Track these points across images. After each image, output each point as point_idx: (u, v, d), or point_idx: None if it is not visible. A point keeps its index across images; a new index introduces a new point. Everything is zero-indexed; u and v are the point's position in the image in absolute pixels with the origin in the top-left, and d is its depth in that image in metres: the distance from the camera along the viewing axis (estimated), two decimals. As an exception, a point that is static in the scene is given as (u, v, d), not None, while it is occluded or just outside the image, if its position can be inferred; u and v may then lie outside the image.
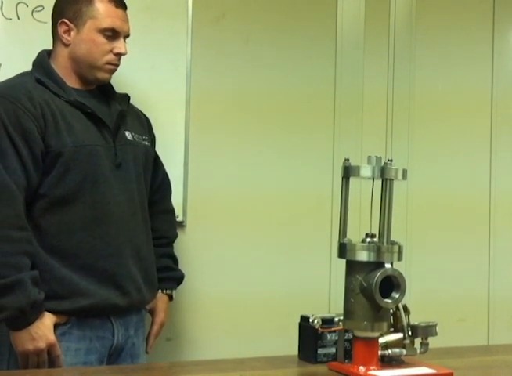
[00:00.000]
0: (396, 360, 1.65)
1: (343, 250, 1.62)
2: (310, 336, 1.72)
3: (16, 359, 1.79)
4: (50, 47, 2.14)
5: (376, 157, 1.61)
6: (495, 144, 2.80)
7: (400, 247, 1.61)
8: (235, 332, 2.43)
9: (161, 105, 2.33)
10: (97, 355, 1.85)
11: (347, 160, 1.64)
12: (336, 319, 1.63)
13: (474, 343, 2.37)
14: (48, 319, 1.76)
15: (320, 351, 1.72)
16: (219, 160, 2.46)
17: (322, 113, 2.58)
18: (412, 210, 2.65)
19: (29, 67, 2.14)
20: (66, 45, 1.93)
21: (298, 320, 1.75)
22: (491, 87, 2.79)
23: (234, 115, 2.47)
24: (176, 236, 2.20)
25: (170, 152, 2.35)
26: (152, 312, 2.10)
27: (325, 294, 2.53)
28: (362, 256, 1.59)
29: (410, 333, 1.64)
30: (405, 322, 1.64)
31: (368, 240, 1.60)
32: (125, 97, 2.07)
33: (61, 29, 1.93)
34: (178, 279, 2.17)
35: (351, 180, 1.64)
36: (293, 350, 1.77)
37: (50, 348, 1.76)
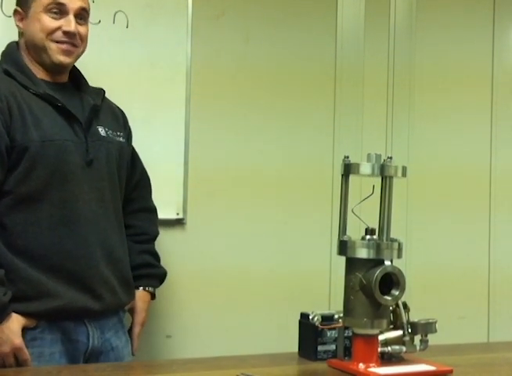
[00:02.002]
0: (396, 357, 1.65)
1: (343, 247, 1.62)
2: (310, 333, 1.72)
3: None
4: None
5: (376, 154, 1.61)
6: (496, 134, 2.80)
7: (400, 244, 1.61)
8: (235, 329, 2.44)
9: (161, 102, 2.33)
10: (70, 358, 1.78)
11: (347, 157, 1.64)
12: (336, 316, 1.63)
13: (473, 340, 2.37)
14: (15, 323, 1.69)
15: (320, 348, 1.72)
16: (219, 158, 2.46)
17: (321, 112, 2.58)
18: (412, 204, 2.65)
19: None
20: (23, 34, 1.86)
21: (298, 317, 1.76)
22: (491, 88, 2.79)
23: (234, 113, 2.47)
24: (157, 233, 2.11)
25: (170, 149, 2.35)
26: (132, 312, 2.02)
27: (325, 291, 2.54)
28: (362, 253, 1.59)
29: (410, 330, 1.65)
30: (404, 319, 1.65)
31: (368, 237, 1.61)
32: (100, 91, 1.98)
33: (16, 18, 1.87)
34: (160, 276, 2.08)
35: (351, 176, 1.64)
36: (294, 347, 1.77)
37: (16, 353, 1.69)
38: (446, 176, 2.74)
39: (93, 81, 2.21)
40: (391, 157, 1.57)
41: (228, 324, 2.44)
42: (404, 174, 1.62)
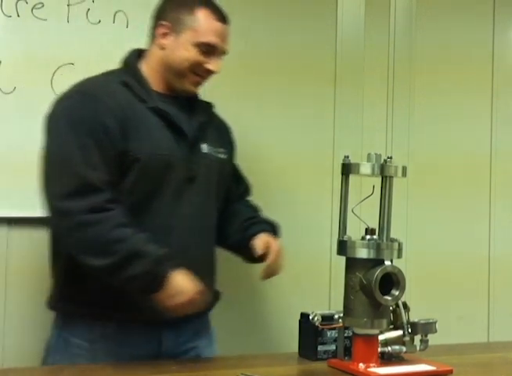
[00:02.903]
0: (396, 357, 1.66)
1: (343, 247, 1.62)
2: (310, 333, 1.72)
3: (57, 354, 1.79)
4: (49, 44, 2.16)
5: (376, 154, 1.62)
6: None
7: (400, 244, 1.61)
8: (235, 329, 2.43)
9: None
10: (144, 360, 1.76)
11: (347, 157, 1.64)
12: (336, 316, 1.64)
13: (473, 340, 2.37)
14: (180, 274, 1.66)
15: (320, 348, 1.72)
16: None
17: (322, 112, 2.58)
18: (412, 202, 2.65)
19: (29, 66, 2.15)
20: (161, 48, 1.86)
21: (298, 317, 1.76)
22: (491, 83, 2.80)
23: (234, 112, 2.47)
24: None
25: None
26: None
27: (325, 291, 2.54)
28: (362, 253, 1.59)
29: (410, 330, 1.65)
30: (404, 319, 1.65)
31: (368, 237, 1.61)
32: (209, 106, 1.99)
33: (159, 31, 1.86)
34: (277, 227, 2.00)
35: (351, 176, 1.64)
36: (294, 347, 1.78)
37: (197, 295, 1.66)
38: (446, 168, 2.73)
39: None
40: (391, 157, 1.58)
41: (228, 324, 2.44)
42: (404, 174, 1.63)
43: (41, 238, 2.19)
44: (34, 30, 2.16)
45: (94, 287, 1.74)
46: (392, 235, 1.63)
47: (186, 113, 1.88)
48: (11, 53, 2.14)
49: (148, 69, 1.87)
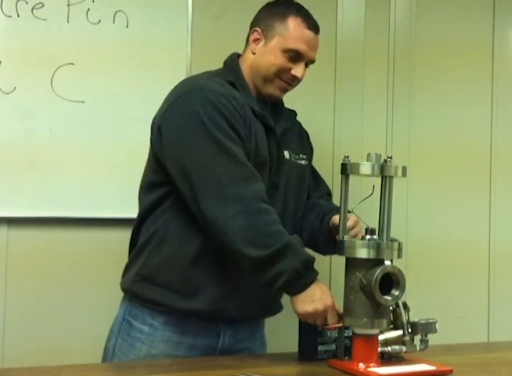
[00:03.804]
0: (396, 357, 1.66)
1: (343, 247, 1.62)
2: (310, 333, 1.72)
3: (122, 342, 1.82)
4: (49, 43, 2.16)
5: (376, 154, 1.62)
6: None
7: (400, 244, 1.61)
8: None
9: (161, 102, 2.33)
10: (201, 352, 1.81)
11: (347, 157, 1.64)
12: (336, 316, 1.64)
13: (474, 340, 2.37)
14: (321, 283, 1.68)
15: (320, 348, 1.72)
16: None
17: (322, 111, 2.58)
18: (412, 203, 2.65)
19: (29, 66, 2.15)
20: (253, 53, 1.91)
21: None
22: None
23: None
24: None
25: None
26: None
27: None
28: (362, 253, 1.59)
29: (410, 330, 1.65)
30: (404, 319, 1.65)
31: (368, 237, 1.61)
32: (292, 114, 2.04)
33: (252, 37, 1.92)
34: None
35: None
36: (294, 347, 1.77)
37: (329, 312, 1.66)
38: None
39: (92, 81, 2.22)
40: (391, 157, 1.58)
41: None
42: (404, 174, 1.63)
43: (40, 238, 2.20)
44: (34, 30, 2.16)
45: (173, 273, 1.78)
46: (392, 231, 1.63)
47: (272, 118, 1.93)
48: (11, 53, 2.14)
49: (246, 74, 1.92)
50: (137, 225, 1.89)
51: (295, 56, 1.87)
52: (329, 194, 2.13)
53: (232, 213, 1.66)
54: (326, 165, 2.54)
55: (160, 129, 1.80)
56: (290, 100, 2.02)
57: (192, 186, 1.71)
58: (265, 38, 1.90)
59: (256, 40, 1.91)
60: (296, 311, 1.68)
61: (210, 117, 1.73)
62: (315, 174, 2.12)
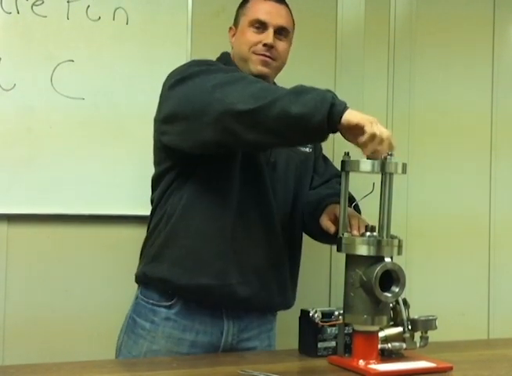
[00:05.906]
0: (396, 354, 1.66)
1: (343, 244, 1.62)
2: (310, 330, 1.72)
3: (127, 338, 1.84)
4: (48, 40, 2.16)
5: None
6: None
7: (400, 241, 1.61)
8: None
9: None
10: (203, 350, 1.81)
11: (347, 154, 1.64)
12: (336, 313, 1.64)
13: (474, 337, 2.37)
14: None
15: (320, 345, 1.72)
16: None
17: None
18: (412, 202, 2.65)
19: (29, 63, 2.15)
20: (233, 47, 2.01)
21: (298, 314, 1.76)
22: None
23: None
24: None
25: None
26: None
27: (325, 287, 2.54)
28: (362, 250, 1.59)
29: (410, 327, 1.65)
30: (404, 316, 1.65)
31: (368, 234, 1.61)
32: None
33: (230, 34, 2.03)
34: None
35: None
36: (294, 344, 1.78)
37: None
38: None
39: (92, 77, 2.22)
40: (391, 154, 1.57)
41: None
42: (404, 170, 1.62)
43: (40, 235, 2.20)
44: (34, 26, 2.16)
45: (177, 246, 1.80)
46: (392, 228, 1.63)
47: None
48: (11, 50, 2.14)
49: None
50: (149, 220, 1.93)
51: (260, 25, 1.93)
52: (339, 176, 2.12)
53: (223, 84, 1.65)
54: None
55: (159, 106, 1.85)
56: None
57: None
58: (236, 28, 2.00)
59: (232, 36, 2.01)
60: (366, 131, 1.52)
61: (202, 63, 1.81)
62: (325, 160, 2.15)
